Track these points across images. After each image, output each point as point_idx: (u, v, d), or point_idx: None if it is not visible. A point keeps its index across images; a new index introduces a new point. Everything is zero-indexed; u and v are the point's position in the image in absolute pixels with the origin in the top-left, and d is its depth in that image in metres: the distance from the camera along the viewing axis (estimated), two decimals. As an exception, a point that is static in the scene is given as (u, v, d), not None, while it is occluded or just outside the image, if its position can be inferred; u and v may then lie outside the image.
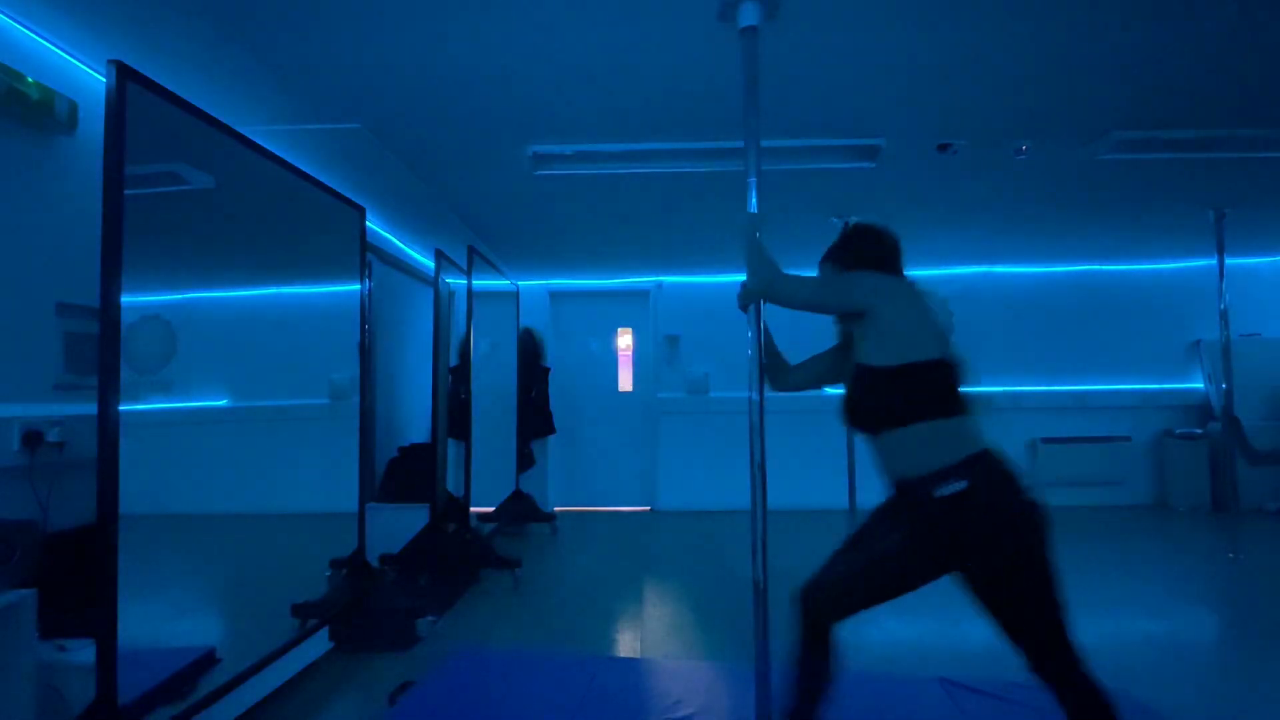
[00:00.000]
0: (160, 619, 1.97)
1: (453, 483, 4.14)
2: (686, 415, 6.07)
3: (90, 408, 1.63)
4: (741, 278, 1.81)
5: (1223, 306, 4.21)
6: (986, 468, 1.44)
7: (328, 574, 2.90)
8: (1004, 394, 5.84)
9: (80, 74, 2.28)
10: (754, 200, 1.83)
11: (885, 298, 1.53)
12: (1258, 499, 5.31)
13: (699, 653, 2.82)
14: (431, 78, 2.42)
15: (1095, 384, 5.90)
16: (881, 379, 1.51)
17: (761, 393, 1.80)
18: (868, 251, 1.69)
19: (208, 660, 2.04)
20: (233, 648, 2.15)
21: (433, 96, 2.56)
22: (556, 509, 5.93)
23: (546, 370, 5.84)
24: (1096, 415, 5.84)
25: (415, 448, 4.61)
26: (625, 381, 6.38)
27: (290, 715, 2.30)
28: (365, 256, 3.15)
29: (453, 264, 4.05)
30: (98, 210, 1.62)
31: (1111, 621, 3.07)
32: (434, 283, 3.92)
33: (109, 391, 1.61)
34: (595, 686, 2.46)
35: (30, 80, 2.06)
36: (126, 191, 1.65)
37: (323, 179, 2.81)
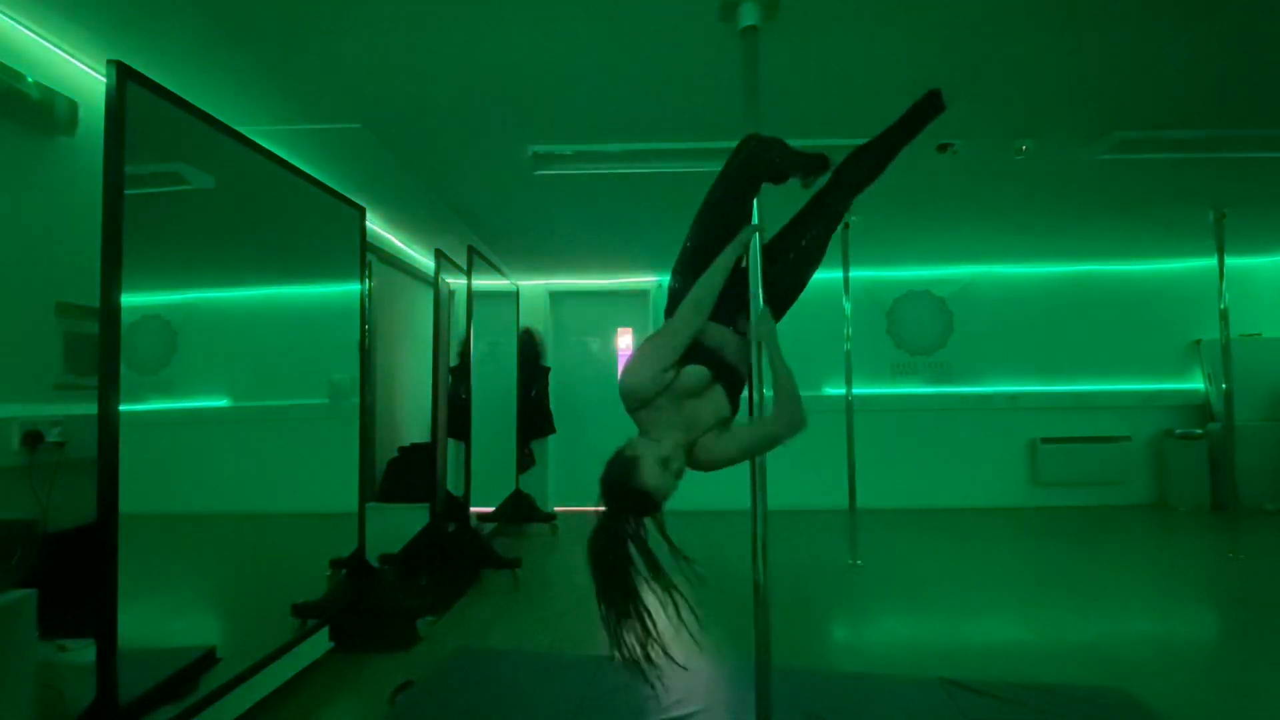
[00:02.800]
0: (160, 619, 1.97)
1: (453, 483, 4.14)
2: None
3: (90, 408, 1.63)
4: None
5: (1223, 306, 4.20)
6: None
7: (328, 574, 2.90)
8: (1003, 394, 5.84)
9: (80, 74, 2.28)
10: (754, 201, 1.82)
11: None
12: (1257, 499, 5.31)
13: (699, 653, 2.82)
14: (431, 78, 2.42)
15: (1095, 384, 5.90)
16: None
17: (761, 392, 1.80)
18: None
19: (208, 660, 2.04)
20: (233, 648, 2.15)
21: (433, 96, 2.56)
22: (556, 509, 5.92)
23: (546, 370, 5.84)
24: (1096, 415, 5.83)
25: (415, 448, 4.61)
26: (625, 381, 6.37)
27: (290, 715, 2.29)
28: (365, 256, 3.15)
29: (453, 264, 4.05)
30: (98, 210, 1.62)
31: (1112, 621, 3.07)
32: (434, 283, 3.92)
33: (109, 391, 1.61)
34: (595, 686, 2.46)
35: (30, 80, 2.06)
36: (126, 191, 1.65)
37: (323, 179, 2.81)
